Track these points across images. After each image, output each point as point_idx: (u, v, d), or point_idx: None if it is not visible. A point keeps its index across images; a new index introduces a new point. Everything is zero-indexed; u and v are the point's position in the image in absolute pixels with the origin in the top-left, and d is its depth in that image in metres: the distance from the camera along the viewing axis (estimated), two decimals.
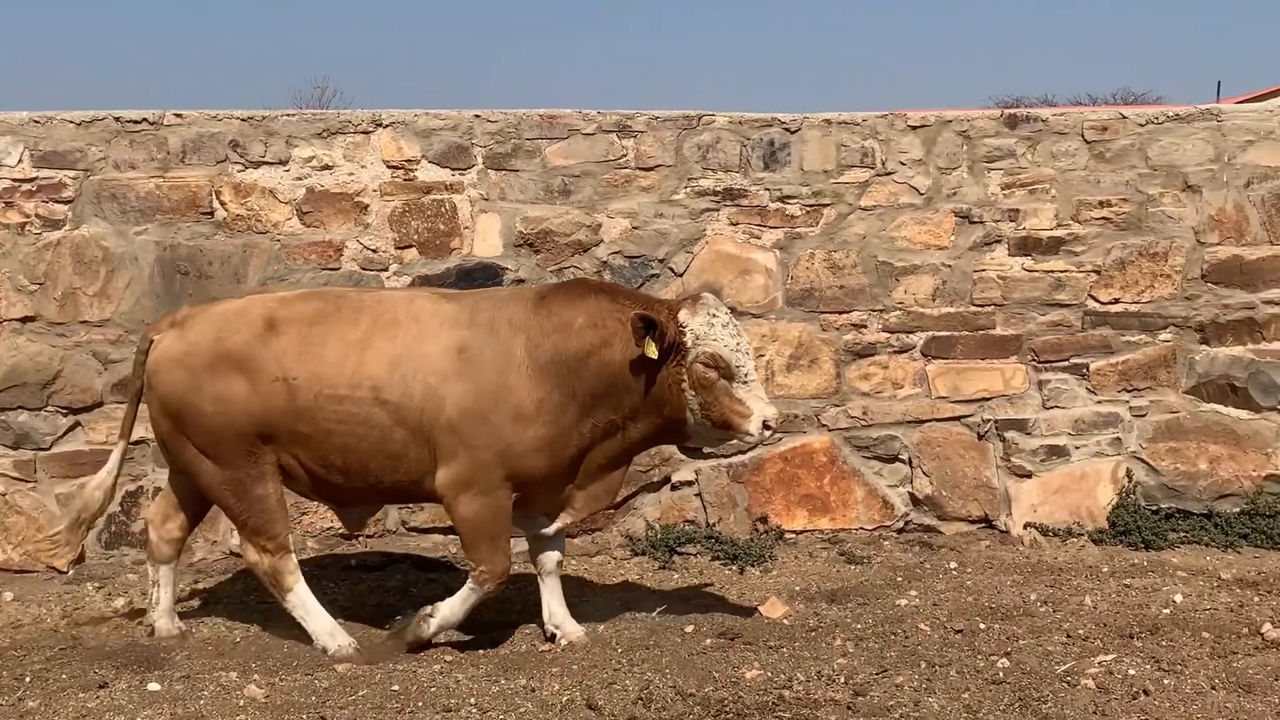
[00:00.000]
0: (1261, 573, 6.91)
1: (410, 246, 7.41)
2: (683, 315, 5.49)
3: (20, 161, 7.21)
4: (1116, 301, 7.63)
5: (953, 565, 7.15)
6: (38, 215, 7.23)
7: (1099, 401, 7.69)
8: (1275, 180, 7.64)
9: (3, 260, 7.20)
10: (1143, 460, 7.69)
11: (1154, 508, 7.67)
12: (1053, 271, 7.60)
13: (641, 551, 7.45)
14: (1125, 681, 4.98)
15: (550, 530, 5.81)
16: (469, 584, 5.67)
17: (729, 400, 5.46)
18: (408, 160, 7.40)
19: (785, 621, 6.13)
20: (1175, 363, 7.71)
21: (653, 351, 5.39)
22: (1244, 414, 7.72)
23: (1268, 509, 7.60)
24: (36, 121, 7.22)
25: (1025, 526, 7.60)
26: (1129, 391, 7.69)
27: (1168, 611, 6.10)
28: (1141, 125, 7.62)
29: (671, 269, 7.51)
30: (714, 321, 5.47)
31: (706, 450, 7.29)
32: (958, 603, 6.34)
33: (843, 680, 5.15)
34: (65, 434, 7.29)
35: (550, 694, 5.02)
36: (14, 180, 7.19)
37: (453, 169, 7.42)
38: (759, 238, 7.55)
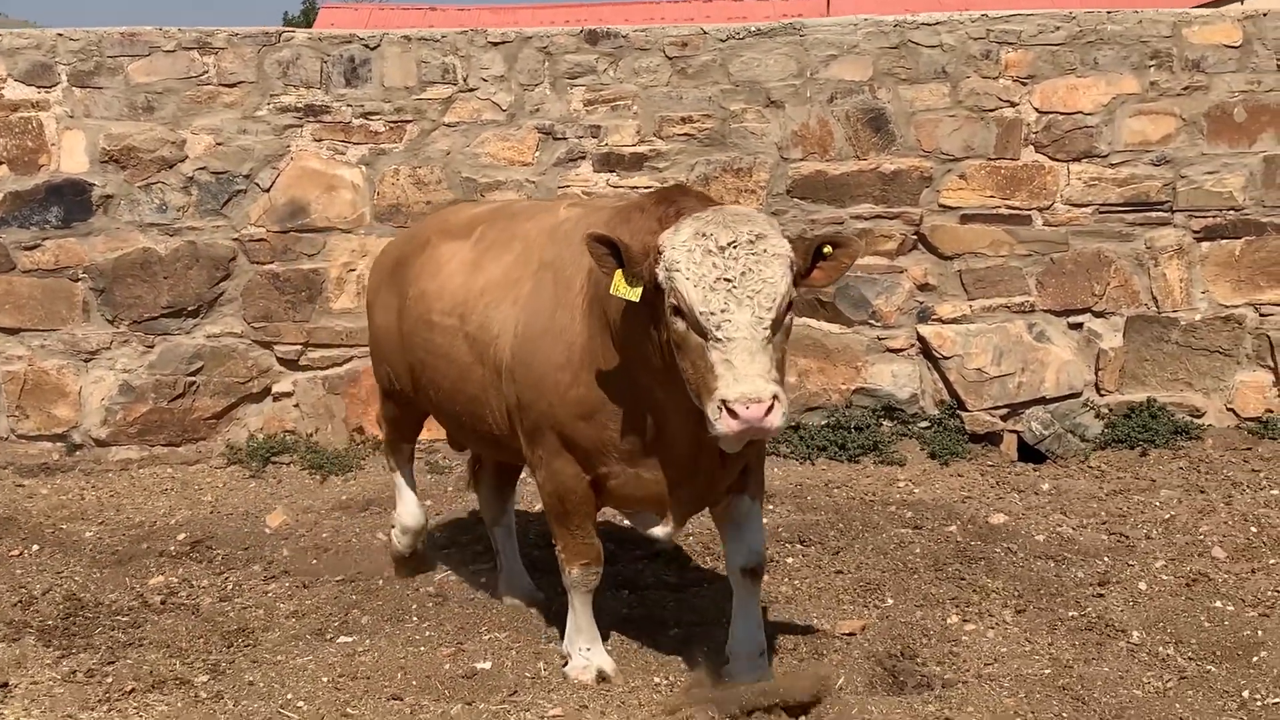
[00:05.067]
0: (798, 484, 7.75)
1: (1, 164, 8.28)
2: (664, 236, 4.19)
3: None
4: None
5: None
6: None
7: None
8: (860, 95, 8.30)
9: None
10: None
11: None
12: (637, 187, 8.32)
13: (238, 461, 8.39)
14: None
15: (659, 534, 4.85)
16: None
17: (704, 367, 4.03)
18: None
19: (277, 529, 7.06)
20: None
21: (623, 290, 4.23)
22: (834, 328, 8.51)
23: (854, 422, 8.40)
24: None
25: None
26: None
27: None
28: (723, 41, 8.29)
29: (258, 185, 8.35)
30: (695, 245, 4.07)
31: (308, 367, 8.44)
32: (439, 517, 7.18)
33: (230, 587, 6.14)
34: None
35: None
36: None
37: (38, 87, 8.27)
38: (344, 154, 8.36)
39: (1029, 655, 5.10)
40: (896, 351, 8.52)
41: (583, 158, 8.38)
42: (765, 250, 4.06)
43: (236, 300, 8.45)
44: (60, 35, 8.29)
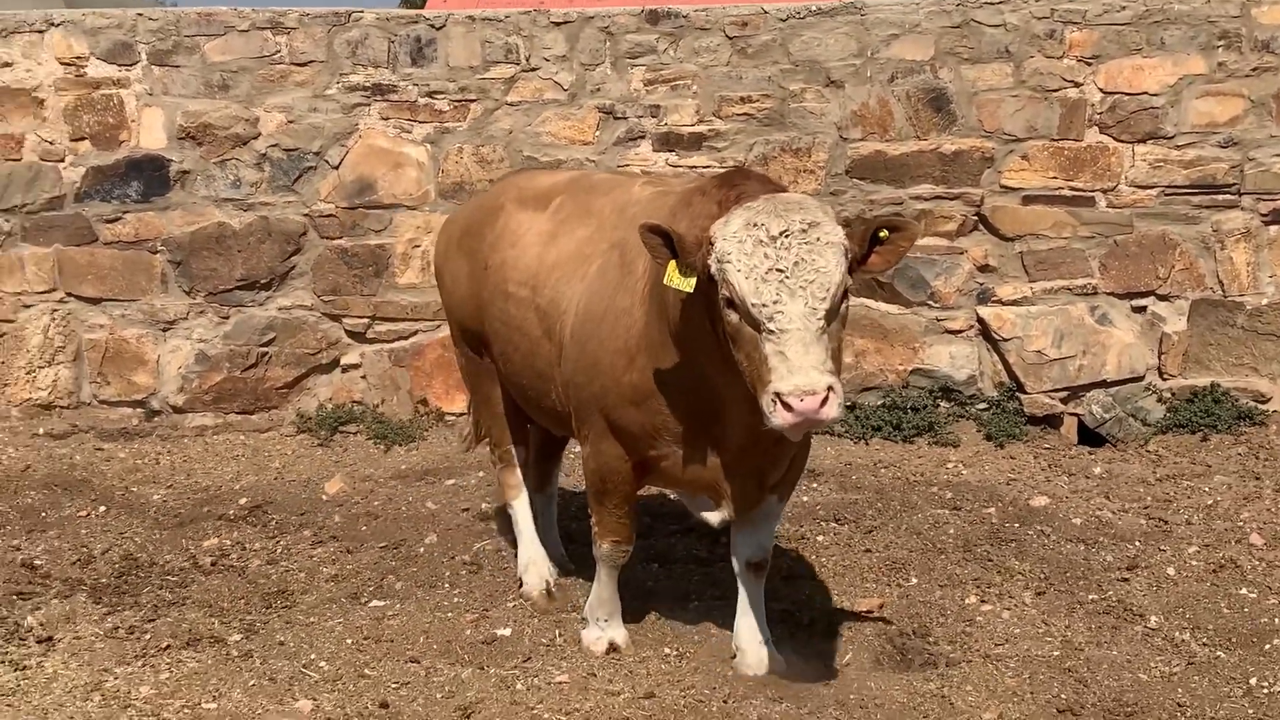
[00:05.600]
0: (848, 463, 7.84)
1: (84, 139, 8.67)
2: (715, 226, 4.14)
3: None
4: None
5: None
6: None
7: None
8: (921, 74, 8.32)
9: None
10: None
11: None
12: (695, 167, 8.46)
13: (308, 429, 8.68)
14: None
15: (714, 519, 4.80)
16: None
17: (758, 359, 3.99)
18: (78, 57, 8.62)
19: (334, 496, 7.33)
20: None
21: (677, 281, 4.22)
22: (893, 309, 8.55)
23: (910, 403, 8.45)
24: None
25: None
26: None
27: None
28: (783, 20, 8.36)
29: (327, 161, 8.62)
30: (746, 235, 4.02)
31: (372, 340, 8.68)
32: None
33: (279, 550, 6.40)
34: None
35: (24, 556, 6.33)
36: None
37: (119, 65, 8.62)
38: (410, 132, 8.59)
39: (1041, 637, 5.17)
40: (955, 333, 8.54)
41: (642, 137, 8.51)
42: (818, 239, 3.98)
43: (307, 274, 8.73)
44: (140, 15, 8.62)
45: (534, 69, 8.51)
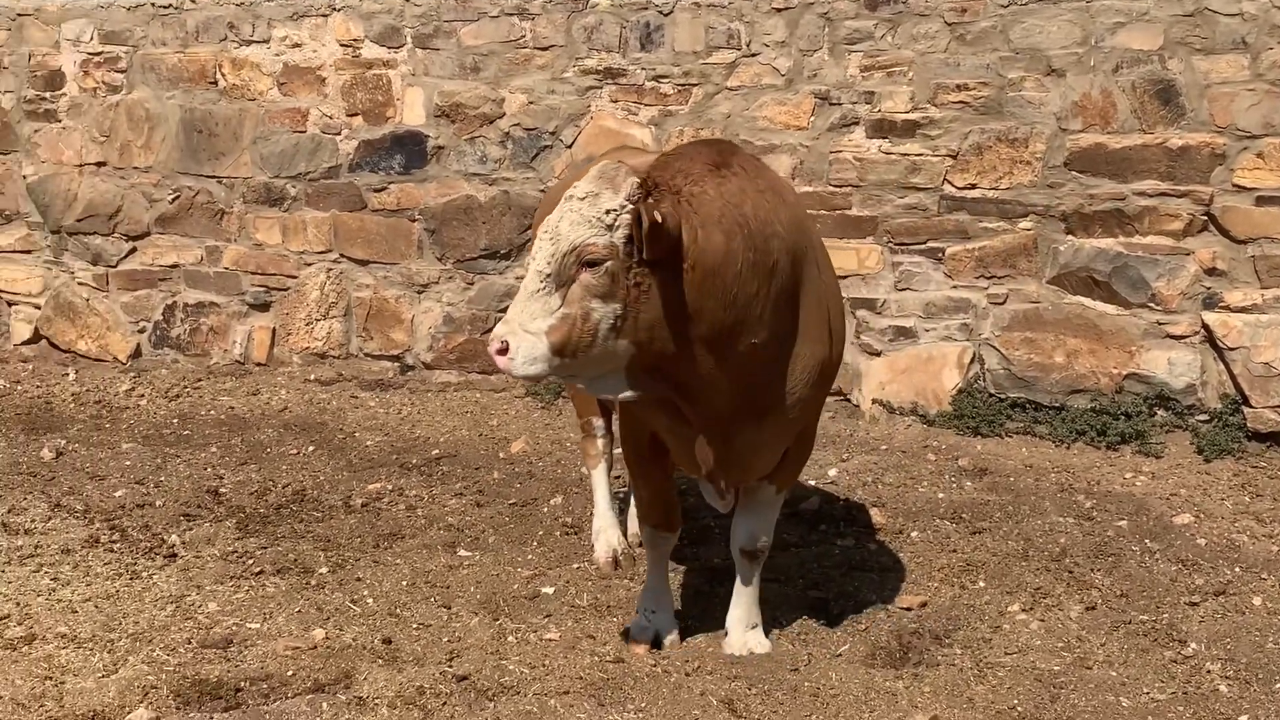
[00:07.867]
0: (1030, 465, 7.72)
1: (357, 114, 9.69)
2: None
3: (91, 39, 10.19)
4: (974, 187, 8.42)
5: None
6: (104, 82, 10.22)
7: (954, 286, 8.58)
8: (1148, 65, 8.02)
9: (82, 117, 10.27)
10: (995, 348, 8.52)
11: (1001, 396, 8.50)
12: (908, 155, 8.52)
13: (535, 393, 9.38)
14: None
15: (719, 506, 5.04)
16: None
17: None
18: (355, 39, 9.64)
19: (511, 455, 7.97)
20: (1037, 252, 8.40)
21: None
22: (1110, 309, 8.30)
23: (1123, 409, 8.19)
24: (101, 6, 10.17)
25: (872, 402, 8.72)
26: (987, 278, 8.50)
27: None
28: (1004, 7, 8.26)
29: (561, 141, 9.26)
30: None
31: None
32: None
33: (425, 498, 7.08)
34: (126, 255, 10.34)
35: (213, 483, 7.31)
36: (87, 54, 10.21)
37: (389, 47, 9.57)
38: (636, 114, 9.09)
39: (1058, 651, 5.09)
40: (1177, 338, 8.20)
41: (856, 123, 8.63)
42: (582, 209, 4.19)
43: None
44: (408, 1, 9.51)
45: (754, 54, 8.79)
